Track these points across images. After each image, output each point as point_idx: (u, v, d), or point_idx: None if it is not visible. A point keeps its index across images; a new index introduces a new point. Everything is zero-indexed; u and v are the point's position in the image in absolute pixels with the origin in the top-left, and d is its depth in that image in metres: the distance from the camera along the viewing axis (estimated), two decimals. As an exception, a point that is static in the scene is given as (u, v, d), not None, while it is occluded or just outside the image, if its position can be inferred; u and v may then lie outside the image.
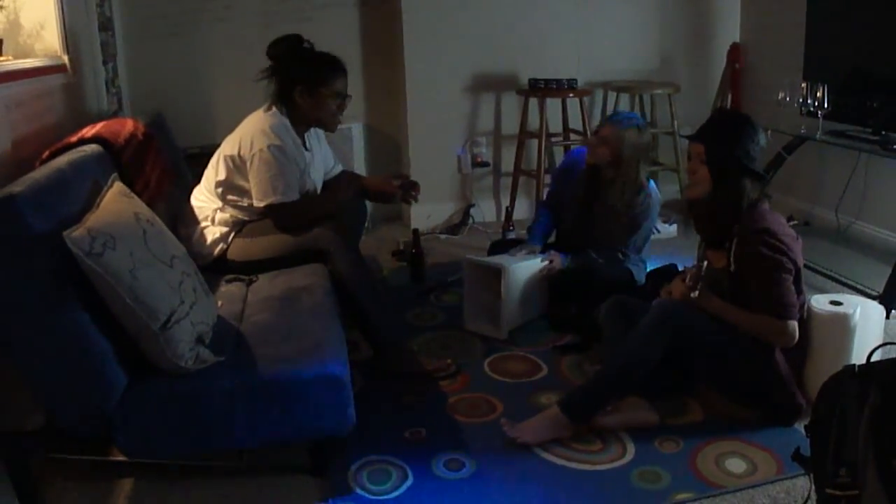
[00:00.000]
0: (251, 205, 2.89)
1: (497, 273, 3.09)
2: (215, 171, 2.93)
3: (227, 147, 2.91)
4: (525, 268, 3.16)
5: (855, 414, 1.58)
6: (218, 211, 2.93)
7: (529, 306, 3.23)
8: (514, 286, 3.12)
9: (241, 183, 2.88)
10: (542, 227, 3.42)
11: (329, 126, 3.01)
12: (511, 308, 3.13)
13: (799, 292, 2.40)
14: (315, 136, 3.09)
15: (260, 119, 2.89)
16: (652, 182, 3.25)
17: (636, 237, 3.21)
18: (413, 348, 3.01)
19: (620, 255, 3.19)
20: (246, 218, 2.93)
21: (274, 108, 2.91)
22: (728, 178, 2.42)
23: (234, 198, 2.91)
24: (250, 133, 2.85)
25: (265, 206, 2.84)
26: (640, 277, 3.25)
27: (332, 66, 2.91)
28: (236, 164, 2.87)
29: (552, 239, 3.47)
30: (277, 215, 2.86)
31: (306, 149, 2.99)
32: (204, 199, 2.97)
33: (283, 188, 2.82)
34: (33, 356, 1.90)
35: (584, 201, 3.28)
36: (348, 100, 2.98)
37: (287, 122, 2.90)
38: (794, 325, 2.37)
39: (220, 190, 2.92)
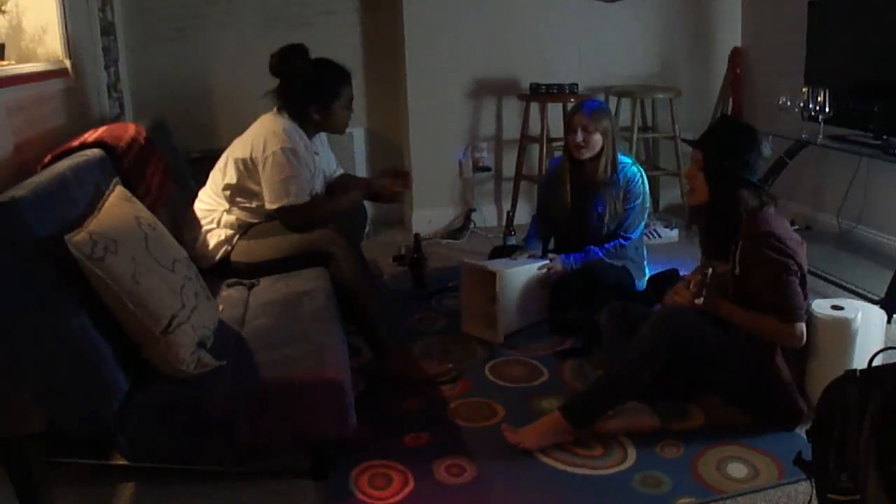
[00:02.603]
0: (260, 207, 2.89)
1: (493, 277, 3.09)
2: (223, 174, 2.94)
3: (238, 150, 2.92)
4: (521, 272, 3.16)
5: (856, 419, 1.58)
6: (225, 213, 2.93)
7: (528, 311, 3.23)
8: (511, 290, 3.12)
9: (252, 186, 2.89)
10: (535, 236, 3.44)
11: (341, 131, 3.09)
12: (508, 312, 3.13)
13: (804, 297, 2.40)
14: (319, 139, 3.11)
15: (271, 121, 2.90)
16: (636, 166, 3.26)
17: (633, 215, 3.21)
18: (414, 353, 3.01)
19: (622, 243, 3.19)
20: (253, 220, 2.94)
21: (284, 111, 2.92)
22: (725, 188, 2.42)
23: (243, 200, 2.92)
24: (262, 136, 2.86)
25: (277, 209, 2.85)
26: (641, 282, 3.25)
27: (341, 78, 2.96)
28: (248, 167, 2.87)
29: (551, 246, 3.48)
30: (289, 217, 2.86)
31: (315, 152, 3.00)
32: (209, 202, 2.97)
33: (295, 191, 2.83)
34: (34, 360, 1.90)
35: (574, 199, 3.29)
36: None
37: (296, 124, 2.91)
38: (803, 326, 2.36)
39: (227, 193, 2.93)
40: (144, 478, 2.23)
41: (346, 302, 2.71)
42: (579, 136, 3.16)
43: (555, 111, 4.53)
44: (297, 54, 2.91)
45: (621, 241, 3.20)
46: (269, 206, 2.86)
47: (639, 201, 3.21)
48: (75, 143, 2.54)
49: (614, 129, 3.23)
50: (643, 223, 3.30)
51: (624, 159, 3.26)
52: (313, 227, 2.86)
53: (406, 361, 2.86)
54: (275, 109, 2.95)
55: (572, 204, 3.30)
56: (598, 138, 3.16)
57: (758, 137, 2.43)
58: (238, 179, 2.90)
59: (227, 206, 2.94)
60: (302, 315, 2.44)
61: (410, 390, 2.73)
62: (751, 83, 4.89)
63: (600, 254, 3.18)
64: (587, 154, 3.19)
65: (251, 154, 2.86)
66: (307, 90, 2.90)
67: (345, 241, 2.82)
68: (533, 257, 3.26)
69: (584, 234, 3.26)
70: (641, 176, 3.24)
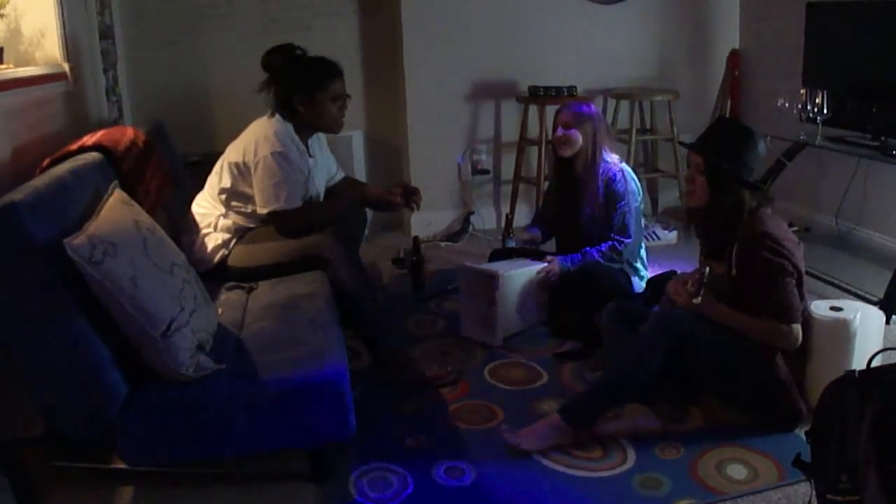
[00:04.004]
0: (255, 211, 2.89)
1: (492, 280, 3.09)
2: (219, 178, 2.94)
3: (232, 154, 2.92)
4: (521, 275, 3.16)
5: (855, 419, 1.58)
6: (221, 217, 2.94)
7: (527, 313, 3.23)
8: (510, 293, 3.12)
9: (246, 190, 2.89)
10: (534, 223, 3.49)
11: (332, 129, 3.04)
12: (507, 315, 3.13)
13: (801, 297, 2.40)
14: (318, 142, 3.11)
15: (264, 125, 2.90)
16: (622, 167, 3.25)
17: (619, 215, 3.18)
18: (413, 356, 3.01)
19: (616, 246, 3.17)
20: (249, 224, 2.94)
21: (277, 115, 2.92)
22: (726, 189, 2.42)
23: (238, 204, 2.92)
24: (254, 140, 2.86)
25: (268, 213, 2.85)
26: (639, 283, 3.25)
27: (327, 70, 2.94)
28: (241, 171, 2.88)
29: (553, 248, 3.47)
30: (280, 222, 2.87)
31: (310, 155, 3.00)
32: (207, 206, 2.97)
33: (286, 195, 2.83)
34: (34, 363, 1.90)
35: (563, 198, 3.31)
36: (348, 100, 3.01)
37: (290, 128, 2.91)
38: (798, 328, 2.37)
39: (223, 197, 2.93)
40: (143, 481, 2.23)
41: (344, 306, 2.71)
42: (558, 132, 3.23)
43: (553, 114, 4.51)
44: (285, 50, 2.93)
45: (615, 244, 3.19)
46: (260, 210, 2.86)
47: (623, 202, 3.18)
48: (74, 146, 2.54)
49: (600, 130, 3.23)
50: (637, 226, 3.26)
51: (611, 161, 3.24)
52: (308, 232, 2.86)
53: (405, 364, 2.86)
54: (269, 113, 2.95)
55: (564, 203, 3.32)
56: (577, 136, 3.19)
57: (755, 137, 2.43)
58: (233, 183, 2.90)
59: (223, 210, 2.94)
60: (301, 318, 2.44)
61: (409, 393, 2.72)
62: (749, 85, 4.89)
63: (596, 255, 3.18)
64: (568, 151, 3.22)
65: (244, 158, 2.86)
66: (292, 79, 2.89)
67: (342, 247, 2.81)
68: (532, 251, 3.26)
69: (579, 235, 3.26)
70: (626, 177, 3.20)
